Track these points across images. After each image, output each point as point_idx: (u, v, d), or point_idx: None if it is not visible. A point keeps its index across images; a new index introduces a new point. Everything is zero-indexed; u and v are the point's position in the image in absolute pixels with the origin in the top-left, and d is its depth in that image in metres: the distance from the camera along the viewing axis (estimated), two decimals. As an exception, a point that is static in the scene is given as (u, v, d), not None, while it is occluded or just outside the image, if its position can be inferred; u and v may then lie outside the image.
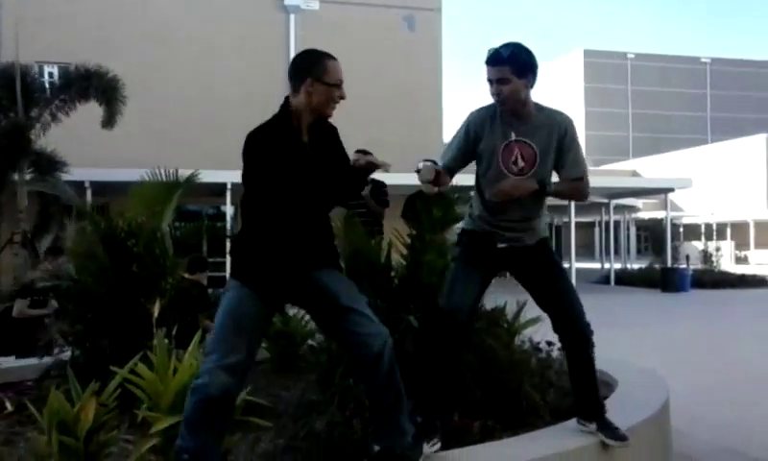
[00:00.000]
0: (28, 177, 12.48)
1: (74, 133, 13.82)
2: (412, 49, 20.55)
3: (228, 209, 16.85)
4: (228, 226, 14.71)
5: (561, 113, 3.31)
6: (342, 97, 2.96)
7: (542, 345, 4.45)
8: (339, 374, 3.57)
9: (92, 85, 12.95)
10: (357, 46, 19.87)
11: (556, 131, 3.22)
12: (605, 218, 27.65)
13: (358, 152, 4.34)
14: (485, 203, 3.34)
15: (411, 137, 19.25)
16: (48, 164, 12.52)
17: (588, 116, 68.49)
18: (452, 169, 3.34)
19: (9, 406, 4.28)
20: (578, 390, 3.40)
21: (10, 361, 5.42)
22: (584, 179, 3.34)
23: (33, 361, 4.83)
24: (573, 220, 20.38)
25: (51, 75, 15.98)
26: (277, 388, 4.56)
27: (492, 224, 3.32)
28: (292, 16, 20.10)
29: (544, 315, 4.45)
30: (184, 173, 5.20)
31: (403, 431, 2.90)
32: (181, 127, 17.94)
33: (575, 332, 3.31)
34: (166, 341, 3.24)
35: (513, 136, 3.19)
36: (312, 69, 2.90)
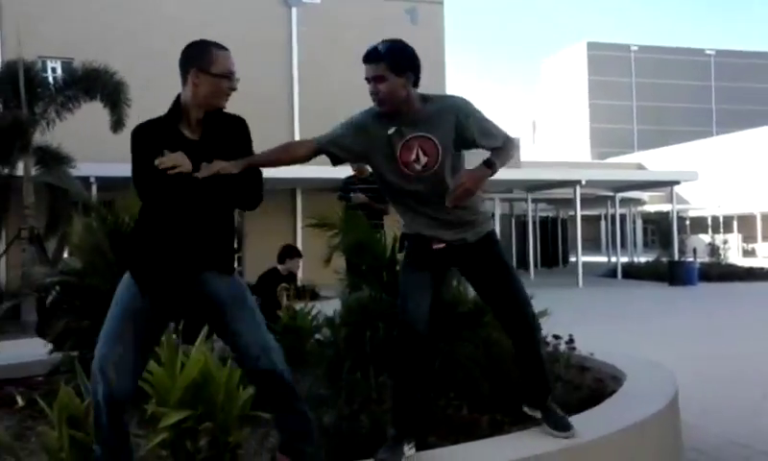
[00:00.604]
0: (34, 172, 12.50)
1: (79, 128, 13.83)
2: (415, 42, 20.27)
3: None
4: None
5: (449, 96, 3.18)
6: (232, 88, 2.83)
7: (549, 339, 4.44)
8: (346, 368, 3.57)
9: (97, 86, 12.92)
10: (359, 40, 19.75)
11: (449, 115, 3.02)
12: (611, 211, 27.58)
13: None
14: (409, 209, 3.17)
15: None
16: (53, 159, 12.54)
17: (592, 109, 68.34)
18: (326, 149, 3.13)
19: (20, 401, 4.30)
20: (525, 377, 3.35)
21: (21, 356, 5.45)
22: (505, 144, 3.04)
23: (42, 356, 4.83)
24: (579, 213, 20.33)
25: (54, 70, 16.02)
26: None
27: (427, 226, 3.12)
28: (294, 10, 20.08)
29: (551, 308, 4.48)
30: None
31: (305, 435, 2.83)
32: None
33: (520, 323, 3.21)
34: (173, 336, 3.23)
35: (409, 133, 3.01)
36: (197, 60, 2.78)
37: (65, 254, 8.80)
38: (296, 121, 19.63)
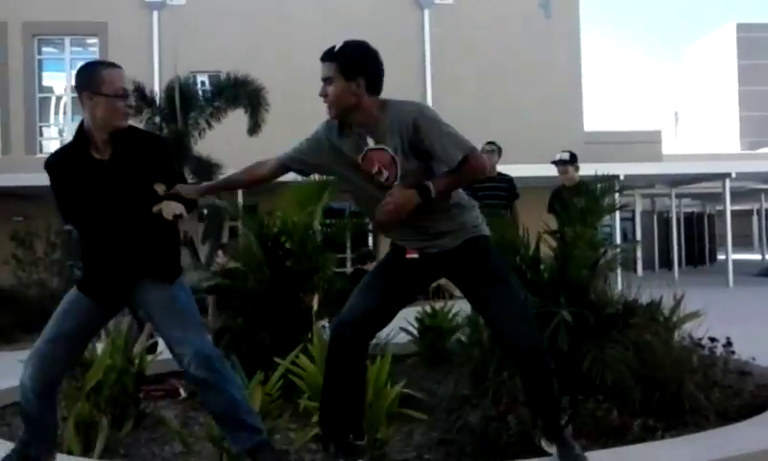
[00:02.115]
0: (190, 180, 13.41)
1: (225, 136, 14.67)
2: (549, 37, 20.01)
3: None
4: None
5: (407, 103, 2.82)
6: (129, 106, 2.84)
7: (705, 341, 4.20)
8: (493, 368, 3.56)
9: (241, 93, 13.69)
10: (492, 38, 19.64)
11: (405, 124, 2.70)
12: (765, 205, 25.55)
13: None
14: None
15: (550, 127, 18.76)
16: (206, 167, 13.39)
17: (741, 96, 63.68)
18: (289, 165, 3.01)
19: (183, 393, 4.64)
20: (531, 406, 3.02)
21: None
22: (469, 157, 2.68)
23: (201, 352, 5.18)
24: (729, 208, 19.02)
25: (203, 83, 17.05)
26: (429, 382, 4.62)
27: (401, 234, 2.91)
28: (426, 12, 20.18)
29: (706, 309, 4.24)
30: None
31: (251, 430, 2.84)
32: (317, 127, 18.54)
33: (513, 340, 2.84)
34: (325, 334, 3.37)
35: (370, 144, 2.76)
36: (88, 82, 2.79)
37: (219, 258, 9.38)
38: (428, 122, 19.76)
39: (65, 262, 16.75)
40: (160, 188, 2.80)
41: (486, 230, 2.96)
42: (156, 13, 19.02)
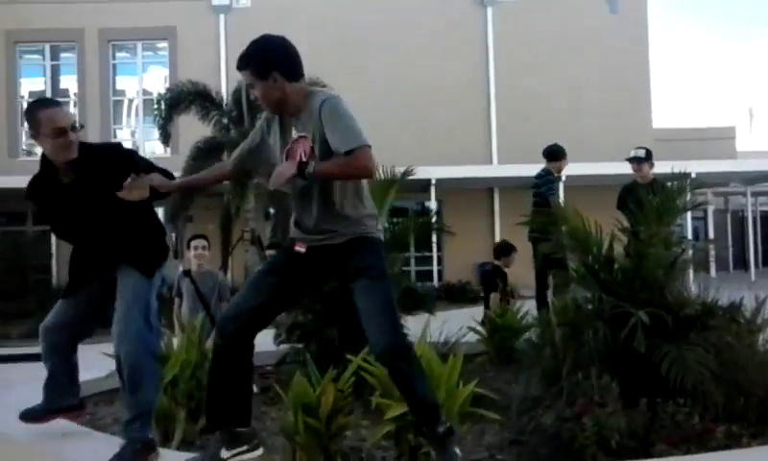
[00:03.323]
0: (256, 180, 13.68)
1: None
2: (615, 32, 19.51)
3: (433, 205, 17.18)
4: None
5: (321, 93, 2.89)
6: (68, 141, 3.04)
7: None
8: (566, 369, 3.49)
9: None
10: (556, 34, 19.30)
11: (316, 113, 2.78)
12: None
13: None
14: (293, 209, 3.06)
15: (618, 125, 18.32)
16: (272, 170, 13.62)
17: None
18: (242, 163, 3.18)
19: (255, 388, 4.70)
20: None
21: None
22: (355, 152, 2.68)
23: (271, 348, 5.26)
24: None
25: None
26: (498, 382, 4.57)
27: (299, 228, 2.98)
28: (489, 10, 19.98)
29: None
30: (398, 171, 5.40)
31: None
32: (381, 127, 18.60)
33: (376, 344, 2.78)
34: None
35: (294, 135, 2.87)
36: (30, 126, 3.09)
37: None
38: (492, 119, 19.55)
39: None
40: (134, 194, 3.08)
41: (376, 234, 2.96)
42: (222, 17, 19.44)
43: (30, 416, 3.46)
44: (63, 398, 3.45)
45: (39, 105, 3.15)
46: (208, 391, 2.98)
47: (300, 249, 2.93)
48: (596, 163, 13.34)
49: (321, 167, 2.73)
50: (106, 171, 3.13)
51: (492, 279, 7.12)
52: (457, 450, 2.75)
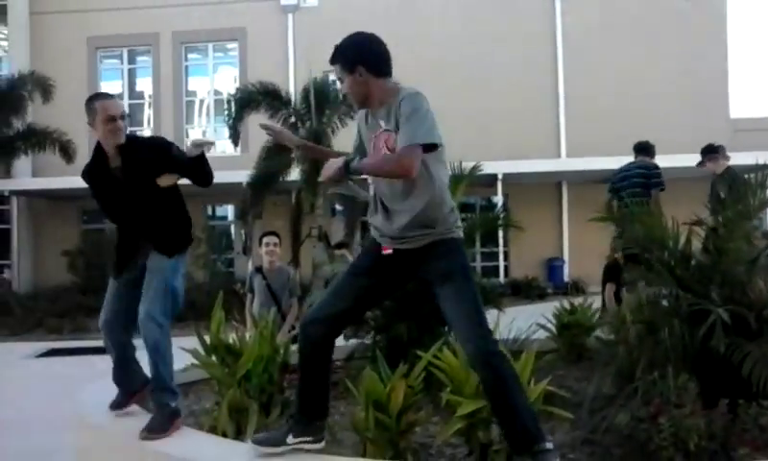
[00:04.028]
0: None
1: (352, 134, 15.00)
2: (692, 22, 18.81)
3: (499, 200, 17.01)
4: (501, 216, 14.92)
5: (404, 89, 2.87)
6: (117, 128, 3.51)
7: None
8: (641, 368, 3.40)
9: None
10: (629, 24, 18.77)
11: (397, 108, 2.81)
12: None
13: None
14: (374, 209, 3.08)
15: (695, 118, 17.67)
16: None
17: None
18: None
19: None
20: (498, 421, 2.91)
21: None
22: (402, 149, 2.73)
23: (339, 343, 5.32)
24: None
25: (334, 82, 17.50)
26: (569, 379, 4.49)
27: (379, 228, 3.01)
28: (557, 3, 19.61)
29: None
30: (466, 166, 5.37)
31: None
32: (446, 121, 18.43)
33: (468, 353, 2.82)
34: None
35: (382, 127, 2.90)
36: (88, 114, 3.55)
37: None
38: (561, 112, 19.19)
39: (209, 256, 17.83)
40: (163, 181, 3.58)
41: (458, 233, 2.96)
42: (290, 16, 19.73)
43: (115, 405, 3.93)
44: (133, 382, 3.88)
45: (96, 97, 3.65)
46: (300, 389, 3.11)
47: (388, 251, 2.97)
48: (672, 156, 12.88)
49: (362, 164, 2.86)
50: (146, 158, 3.59)
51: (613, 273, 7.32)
52: None
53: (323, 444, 3.10)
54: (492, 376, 2.76)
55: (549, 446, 2.73)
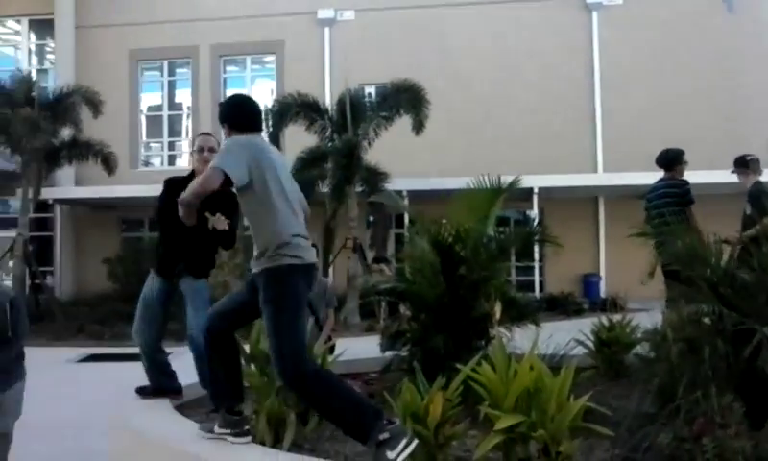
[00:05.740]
0: (358, 189, 13.91)
1: (391, 146, 15.01)
2: (732, 33, 18.53)
3: (535, 214, 16.88)
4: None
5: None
6: (205, 160, 4.27)
7: None
8: (683, 386, 3.35)
9: (403, 98, 14.05)
10: (664, 38, 18.57)
11: None
12: None
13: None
14: None
15: (734, 130, 17.37)
16: (374, 176, 13.82)
17: None
18: None
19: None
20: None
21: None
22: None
23: (376, 355, 5.33)
24: None
25: (369, 95, 17.64)
26: (607, 397, 4.43)
27: None
28: (594, 14, 19.48)
29: None
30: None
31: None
32: (482, 134, 18.49)
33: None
34: (504, 342, 3.35)
35: None
36: (193, 144, 4.62)
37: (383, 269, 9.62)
38: (598, 126, 19.02)
39: (246, 266, 17.97)
40: (219, 222, 4.22)
41: (288, 260, 3.31)
42: (327, 29, 19.93)
43: (142, 391, 4.66)
44: (165, 379, 4.67)
45: (200, 133, 4.72)
46: (211, 380, 3.83)
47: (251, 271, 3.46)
48: (711, 171, 12.67)
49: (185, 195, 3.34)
50: (216, 194, 3.79)
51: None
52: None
53: (247, 438, 3.50)
54: (302, 396, 3.30)
55: (385, 436, 2.94)
